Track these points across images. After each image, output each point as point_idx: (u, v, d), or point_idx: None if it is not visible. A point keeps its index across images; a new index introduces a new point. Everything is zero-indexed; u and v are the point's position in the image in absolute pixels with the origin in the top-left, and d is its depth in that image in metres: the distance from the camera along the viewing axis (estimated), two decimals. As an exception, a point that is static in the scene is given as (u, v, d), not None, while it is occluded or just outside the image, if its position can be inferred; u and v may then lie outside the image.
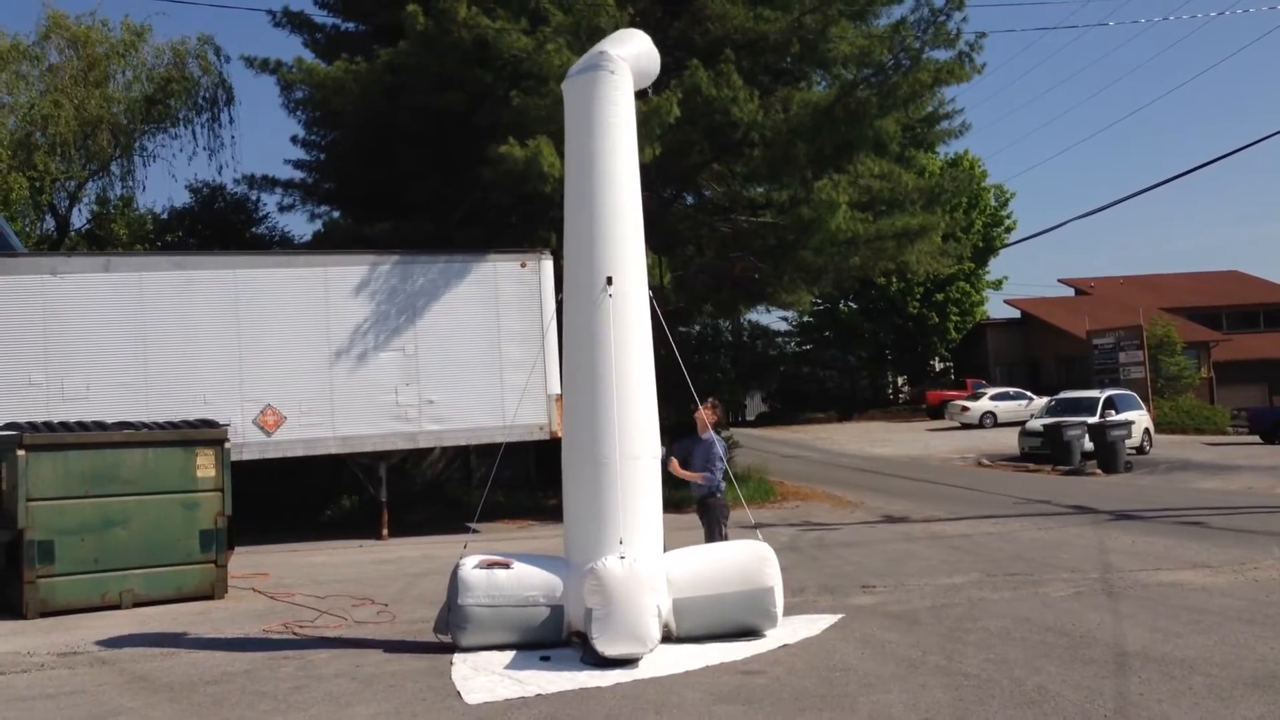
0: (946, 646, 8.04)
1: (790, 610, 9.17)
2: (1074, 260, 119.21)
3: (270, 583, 12.42)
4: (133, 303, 15.49)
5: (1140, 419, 29.35)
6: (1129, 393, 31.74)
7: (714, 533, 10.30)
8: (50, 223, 28.62)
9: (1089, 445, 25.61)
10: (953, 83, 19.99)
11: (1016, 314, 61.07)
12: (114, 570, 10.93)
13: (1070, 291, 63.29)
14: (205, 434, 11.75)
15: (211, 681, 7.64)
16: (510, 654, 8.02)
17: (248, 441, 15.53)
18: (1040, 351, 57.43)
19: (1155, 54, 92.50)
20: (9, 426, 11.52)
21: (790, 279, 22.70)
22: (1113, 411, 28.30)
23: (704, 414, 10.46)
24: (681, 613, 8.35)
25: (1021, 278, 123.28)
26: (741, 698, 6.82)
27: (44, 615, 10.49)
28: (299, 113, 23.72)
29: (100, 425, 11.69)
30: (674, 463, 10.22)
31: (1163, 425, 35.96)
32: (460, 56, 18.19)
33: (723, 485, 10.40)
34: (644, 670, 7.54)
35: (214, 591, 11.39)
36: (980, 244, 53.92)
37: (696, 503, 10.63)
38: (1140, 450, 28.48)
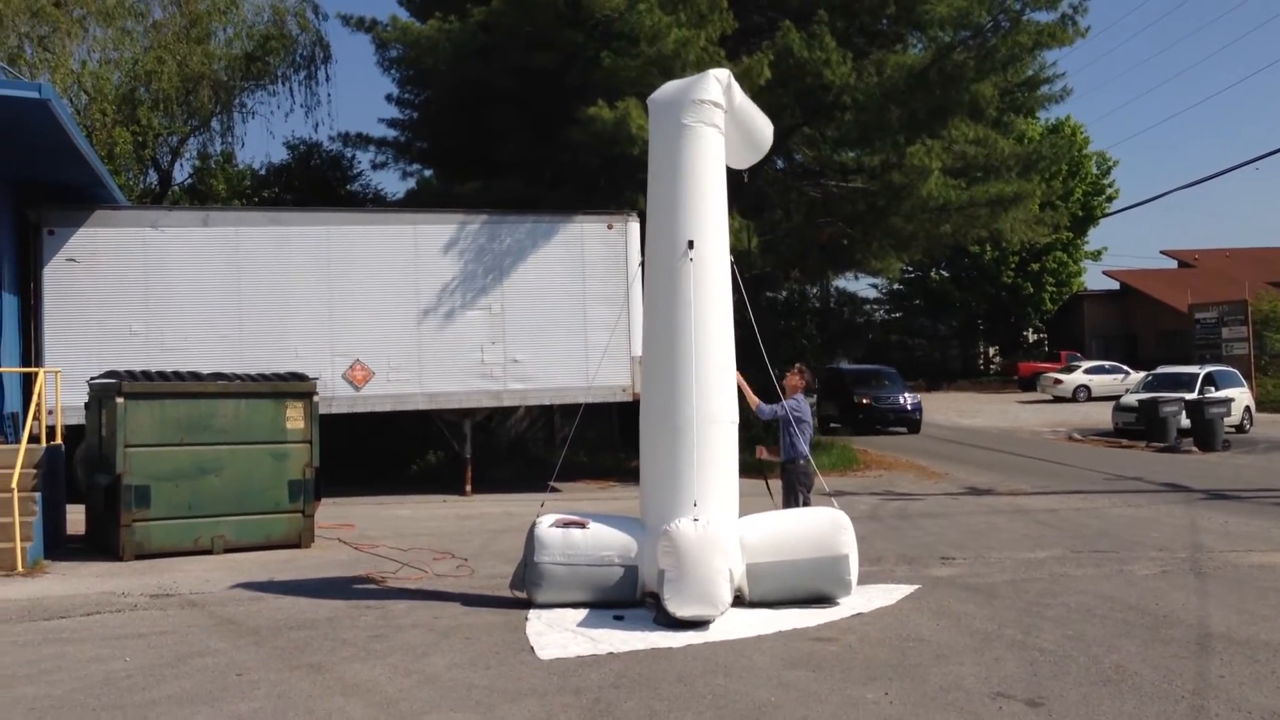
0: (1024, 621, 7.94)
1: (867, 579, 9.13)
2: (1178, 231, 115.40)
3: (355, 534, 12.73)
4: (229, 257, 15.89)
5: (1241, 396, 28.44)
6: (1230, 369, 30.76)
7: (791, 498, 10.31)
8: (153, 177, 29.41)
9: (1185, 422, 24.85)
10: (1054, 46, 19.51)
11: (1115, 285, 59.39)
12: (206, 516, 11.30)
13: (1173, 264, 61.32)
14: (295, 387, 12.04)
15: (295, 627, 7.87)
16: (584, 612, 8.12)
17: (337, 395, 15.88)
18: (1139, 325, 55.89)
19: (1270, 18, 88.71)
20: (109, 375, 11.92)
21: (880, 245, 22.41)
22: (1212, 388, 27.44)
23: (791, 379, 10.54)
24: (755, 577, 8.36)
25: (1122, 248, 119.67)
26: (811, 664, 6.82)
27: (139, 558, 10.88)
28: (393, 71, 24.09)
29: (196, 375, 12.02)
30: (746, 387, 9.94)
31: (1265, 404, 34.78)
32: (552, 16, 18.19)
33: (807, 452, 10.39)
34: (716, 633, 7.58)
35: (301, 540, 11.71)
36: (1079, 213, 52.46)
37: (779, 467, 10.65)
38: (1240, 429, 27.63)
